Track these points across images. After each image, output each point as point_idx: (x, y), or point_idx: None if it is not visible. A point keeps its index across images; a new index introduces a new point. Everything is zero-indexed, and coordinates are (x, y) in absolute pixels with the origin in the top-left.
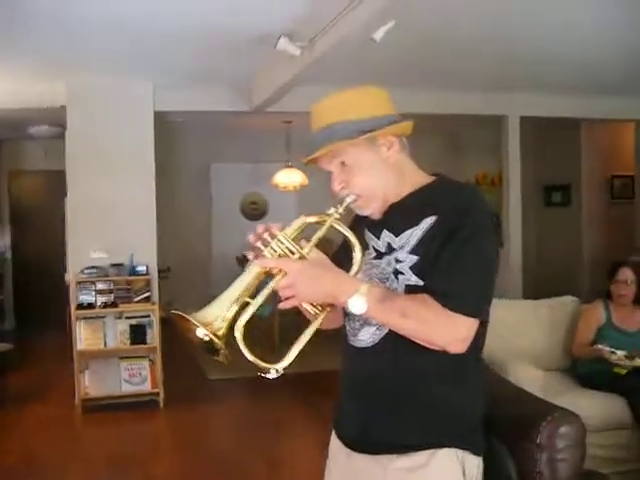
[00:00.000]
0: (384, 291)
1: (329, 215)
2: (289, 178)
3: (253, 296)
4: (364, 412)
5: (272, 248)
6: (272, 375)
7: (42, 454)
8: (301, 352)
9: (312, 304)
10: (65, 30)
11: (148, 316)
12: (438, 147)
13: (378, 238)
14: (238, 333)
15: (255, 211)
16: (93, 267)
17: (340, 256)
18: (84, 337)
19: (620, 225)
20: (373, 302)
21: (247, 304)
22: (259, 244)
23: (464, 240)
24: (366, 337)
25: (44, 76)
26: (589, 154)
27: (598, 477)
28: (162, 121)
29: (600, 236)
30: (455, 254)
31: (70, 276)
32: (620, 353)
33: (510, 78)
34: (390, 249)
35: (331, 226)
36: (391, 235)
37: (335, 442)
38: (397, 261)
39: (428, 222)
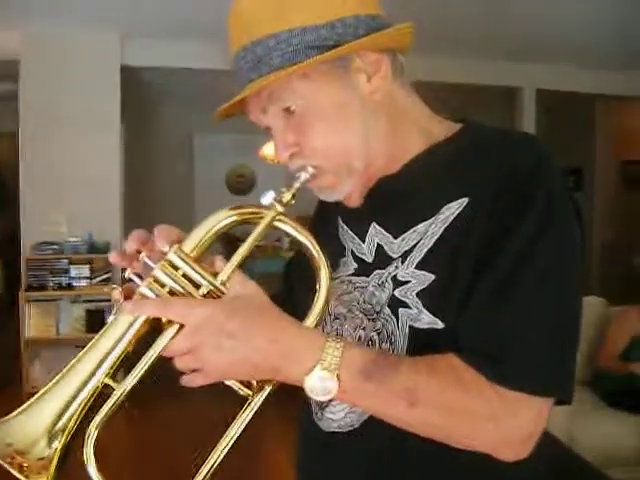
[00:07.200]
0: (371, 354)
1: (267, 208)
2: None
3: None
4: None
5: (156, 279)
6: None
7: None
8: None
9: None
10: None
11: (108, 300)
12: None
13: (362, 238)
14: (88, 450)
15: (241, 184)
16: (47, 243)
17: (291, 283)
18: (33, 323)
19: (635, 213)
20: (351, 379)
21: (108, 389)
22: (130, 272)
23: (526, 247)
24: (339, 415)
25: None
26: (603, 136)
27: None
28: (138, 82)
29: (613, 224)
30: (510, 274)
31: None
32: None
33: (527, 45)
34: (384, 258)
35: (271, 226)
36: (385, 233)
37: None
38: (396, 282)
39: (454, 210)
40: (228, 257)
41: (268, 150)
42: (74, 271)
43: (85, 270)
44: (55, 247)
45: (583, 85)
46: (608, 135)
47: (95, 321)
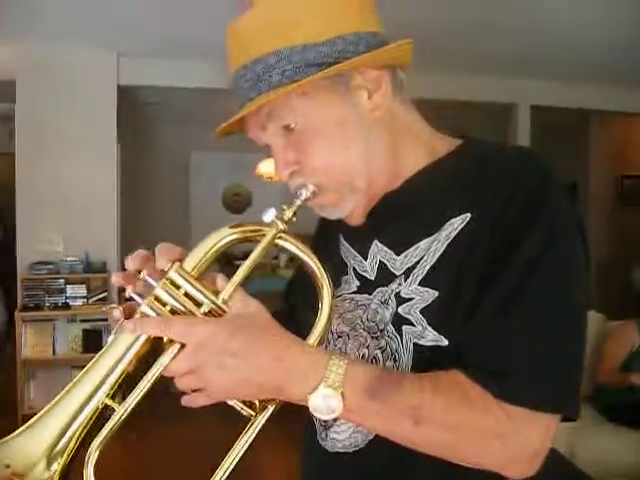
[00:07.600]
0: (375, 372)
1: (269, 226)
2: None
3: (124, 391)
4: None
5: (157, 298)
6: None
7: None
8: None
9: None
10: None
11: (105, 320)
12: None
13: (364, 256)
14: (89, 472)
15: (237, 203)
16: (43, 262)
17: (293, 302)
18: (30, 343)
19: (631, 229)
20: (356, 397)
21: (108, 410)
22: (131, 291)
23: (530, 262)
24: (344, 435)
25: None
26: (598, 151)
27: None
28: (134, 101)
29: (609, 239)
30: (515, 290)
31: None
32: None
33: (522, 62)
34: (387, 276)
35: (273, 244)
36: (387, 250)
37: None
38: (399, 299)
39: (456, 226)
40: (226, 276)
41: (265, 168)
42: (70, 291)
43: (81, 290)
44: (51, 267)
45: (577, 101)
46: (603, 150)
47: (92, 341)
